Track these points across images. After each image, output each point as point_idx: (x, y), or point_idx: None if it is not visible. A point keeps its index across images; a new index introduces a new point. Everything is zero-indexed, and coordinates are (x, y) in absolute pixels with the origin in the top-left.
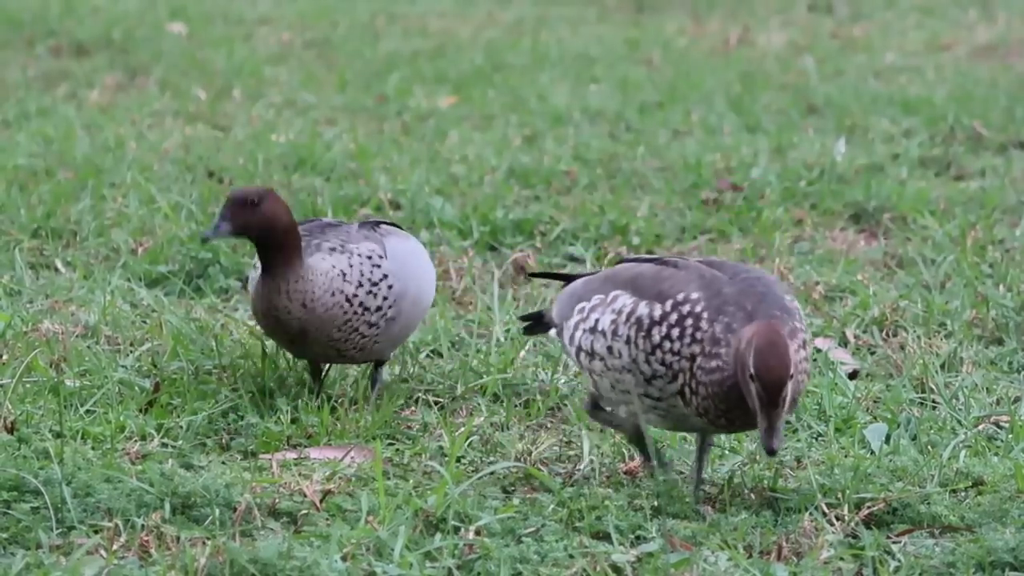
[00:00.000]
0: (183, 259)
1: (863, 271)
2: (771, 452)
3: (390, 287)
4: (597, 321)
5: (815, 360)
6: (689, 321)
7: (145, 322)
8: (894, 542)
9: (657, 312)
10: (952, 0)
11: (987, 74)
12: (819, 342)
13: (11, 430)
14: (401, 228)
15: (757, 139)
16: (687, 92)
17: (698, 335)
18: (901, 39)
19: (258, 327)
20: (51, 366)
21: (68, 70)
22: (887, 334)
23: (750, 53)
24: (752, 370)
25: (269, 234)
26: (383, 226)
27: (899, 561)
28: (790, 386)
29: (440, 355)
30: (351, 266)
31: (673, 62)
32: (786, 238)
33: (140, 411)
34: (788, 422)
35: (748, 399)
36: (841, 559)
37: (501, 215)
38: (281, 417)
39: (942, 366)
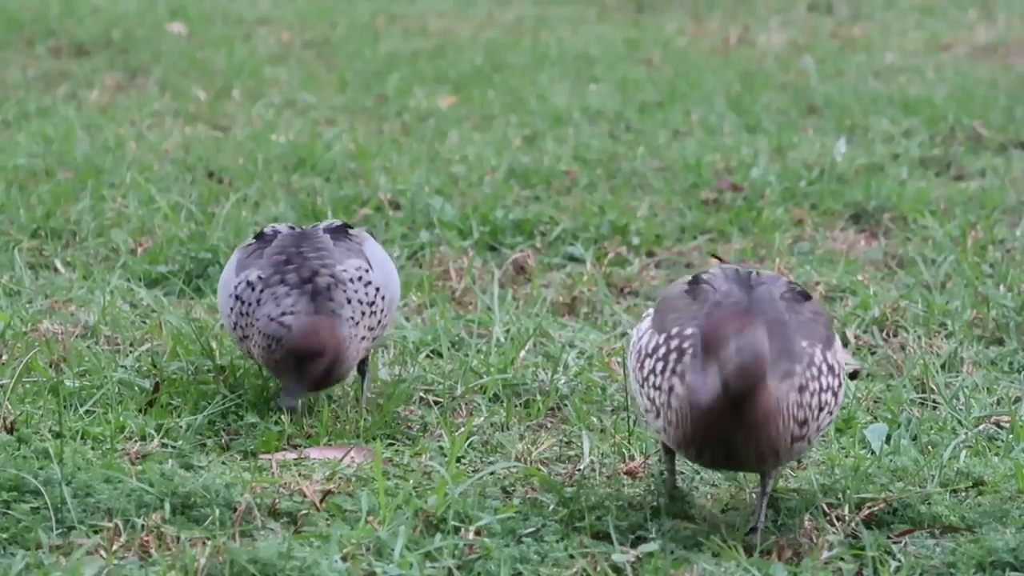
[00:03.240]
0: (183, 259)
1: (863, 271)
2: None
3: (383, 298)
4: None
5: None
6: (674, 355)
7: (145, 322)
8: (894, 542)
9: (652, 343)
10: (952, 0)
11: (987, 74)
12: None
13: (11, 430)
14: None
15: (757, 139)
16: (687, 92)
17: (679, 368)
18: (901, 39)
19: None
20: (51, 366)
21: (68, 70)
22: (887, 334)
23: (750, 53)
24: (705, 329)
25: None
26: (353, 231)
27: (899, 561)
28: (731, 351)
29: (440, 355)
30: (349, 301)
31: (673, 62)
32: (786, 238)
33: (140, 411)
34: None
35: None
36: (841, 559)
37: (501, 215)
38: (281, 417)
39: (943, 366)
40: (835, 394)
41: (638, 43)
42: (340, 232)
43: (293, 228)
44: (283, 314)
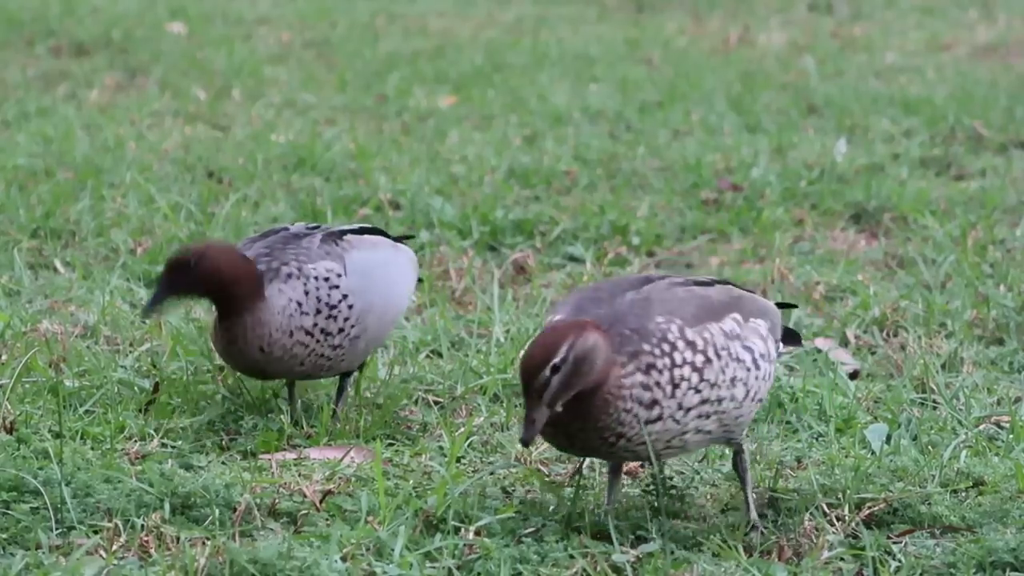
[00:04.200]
0: None
1: (863, 271)
2: (521, 442)
3: (350, 307)
4: None
5: (815, 360)
6: None
7: (145, 322)
8: (895, 542)
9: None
10: (952, 0)
11: (987, 74)
12: (820, 342)
13: (10, 430)
14: (377, 233)
15: (757, 139)
16: (687, 92)
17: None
18: (901, 39)
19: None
20: (50, 366)
21: (68, 70)
22: (888, 334)
23: (750, 53)
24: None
25: (215, 291)
26: (348, 237)
27: (900, 561)
28: (553, 380)
29: (440, 355)
30: (307, 293)
31: (673, 62)
32: (786, 238)
33: (140, 411)
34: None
35: None
36: (841, 559)
37: (501, 215)
38: (281, 418)
39: (943, 366)
40: (697, 369)
41: (638, 43)
42: (334, 237)
43: (312, 227)
44: None
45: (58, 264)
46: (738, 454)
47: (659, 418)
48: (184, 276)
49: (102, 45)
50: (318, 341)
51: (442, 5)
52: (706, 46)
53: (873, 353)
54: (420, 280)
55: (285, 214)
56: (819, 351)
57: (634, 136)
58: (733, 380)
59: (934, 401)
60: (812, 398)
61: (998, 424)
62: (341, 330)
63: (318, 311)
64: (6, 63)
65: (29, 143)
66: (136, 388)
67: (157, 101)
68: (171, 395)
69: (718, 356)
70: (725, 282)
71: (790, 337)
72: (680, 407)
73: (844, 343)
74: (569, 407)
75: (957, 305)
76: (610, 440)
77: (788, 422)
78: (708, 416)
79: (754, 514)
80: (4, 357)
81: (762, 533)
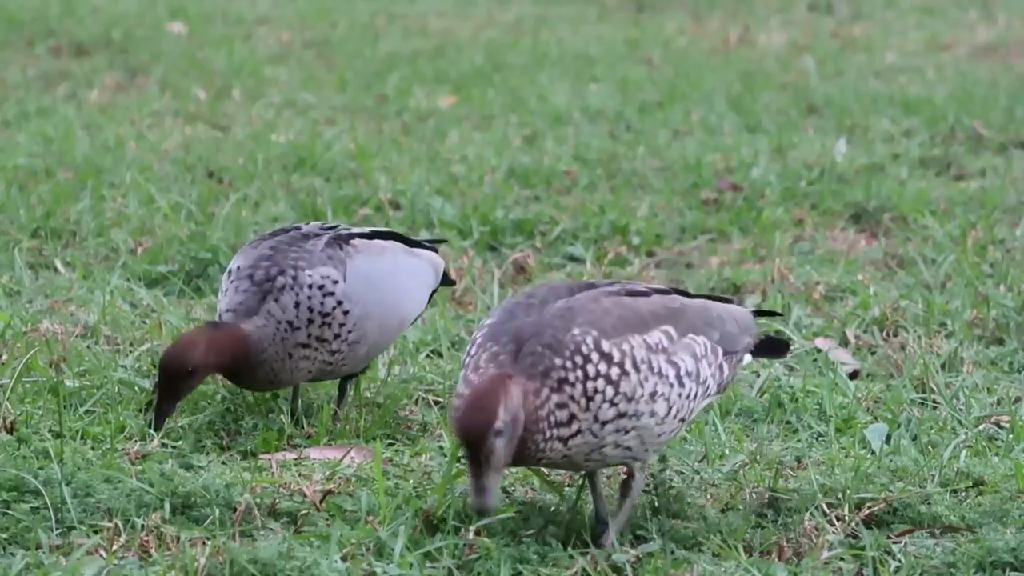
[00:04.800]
0: (183, 259)
1: (863, 271)
2: (479, 511)
3: (346, 313)
4: None
5: (815, 360)
6: (471, 348)
7: (145, 322)
8: (894, 542)
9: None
10: (952, 0)
11: (987, 74)
12: (820, 342)
13: (11, 430)
14: (394, 237)
15: (757, 139)
16: (687, 92)
17: (467, 360)
18: (901, 39)
19: None
20: (50, 366)
21: (68, 70)
22: (887, 334)
23: (750, 53)
24: (455, 425)
25: (209, 373)
26: (355, 242)
27: (899, 561)
28: (496, 444)
29: (440, 355)
30: (298, 305)
31: (673, 62)
32: (786, 238)
33: (140, 411)
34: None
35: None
36: (841, 559)
37: (501, 215)
38: (281, 418)
39: (943, 366)
40: (612, 382)
41: (638, 43)
42: (340, 240)
43: (327, 227)
44: (227, 310)
45: (58, 264)
46: (631, 478)
47: (578, 432)
48: (184, 384)
49: (102, 45)
50: (317, 349)
51: (442, 5)
52: (706, 46)
53: (873, 353)
54: (452, 283)
55: (285, 214)
56: (819, 351)
57: (634, 136)
58: (653, 395)
59: (934, 401)
60: (812, 398)
61: (998, 424)
62: (337, 336)
63: (310, 320)
64: (6, 63)
65: (29, 143)
66: (136, 388)
67: (157, 101)
68: None
69: (636, 369)
70: (680, 292)
71: (774, 347)
72: (596, 420)
73: (844, 343)
74: None
75: (957, 305)
76: (542, 462)
77: (788, 422)
78: (627, 431)
79: (613, 537)
80: (4, 357)
81: (614, 544)
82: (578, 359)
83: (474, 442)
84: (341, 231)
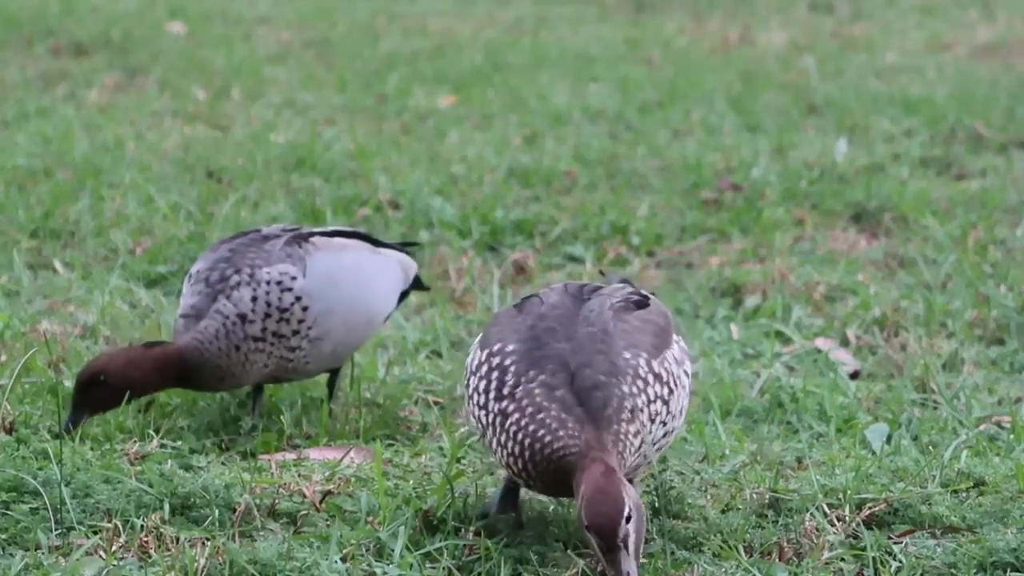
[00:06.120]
0: (182, 259)
1: (864, 271)
2: None
3: (304, 308)
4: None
5: (815, 360)
6: (496, 374)
7: (144, 322)
8: (895, 542)
9: (476, 360)
10: (952, 0)
11: (988, 74)
12: (820, 342)
13: (10, 431)
14: (359, 237)
15: (757, 139)
16: (687, 92)
17: (504, 390)
18: (902, 39)
19: None
20: (50, 366)
21: (67, 70)
22: (888, 334)
23: (750, 53)
24: (585, 522)
25: (137, 392)
26: (315, 239)
27: (900, 562)
28: (631, 527)
29: (440, 355)
30: (255, 299)
31: (673, 62)
32: (787, 238)
33: (140, 411)
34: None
35: (590, 547)
36: (842, 560)
37: (501, 215)
38: (281, 418)
39: (943, 366)
40: (665, 402)
41: (638, 43)
42: (300, 238)
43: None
44: (181, 315)
45: (58, 264)
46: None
47: (641, 454)
48: (98, 394)
49: (101, 45)
50: (273, 344)
51: (442, 5)
52: (706, 46)
53: (873, 353)
54: (424, 287)
55: (285, 214)
56: (819, 351)
57: (634, 136)
58: (682, 409)
59: (935, 401)
60: (812, 398)
61: (999, 424)
62: (296, 332)
63: (267, 315)
64: (6, 63)
65: (29, 143)
66: None
67: (157, 101)
68: (170, 395)
69: (677, 385)
70: (624, 281)
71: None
72: (652, 441)
73: (844, 343)
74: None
75: (958, 305)
76: None
77: (788, 422)
78: (663, 448)
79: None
80: (4, 357)
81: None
82: (639, 384)
83: (612, 535)
84: (303, 231)
